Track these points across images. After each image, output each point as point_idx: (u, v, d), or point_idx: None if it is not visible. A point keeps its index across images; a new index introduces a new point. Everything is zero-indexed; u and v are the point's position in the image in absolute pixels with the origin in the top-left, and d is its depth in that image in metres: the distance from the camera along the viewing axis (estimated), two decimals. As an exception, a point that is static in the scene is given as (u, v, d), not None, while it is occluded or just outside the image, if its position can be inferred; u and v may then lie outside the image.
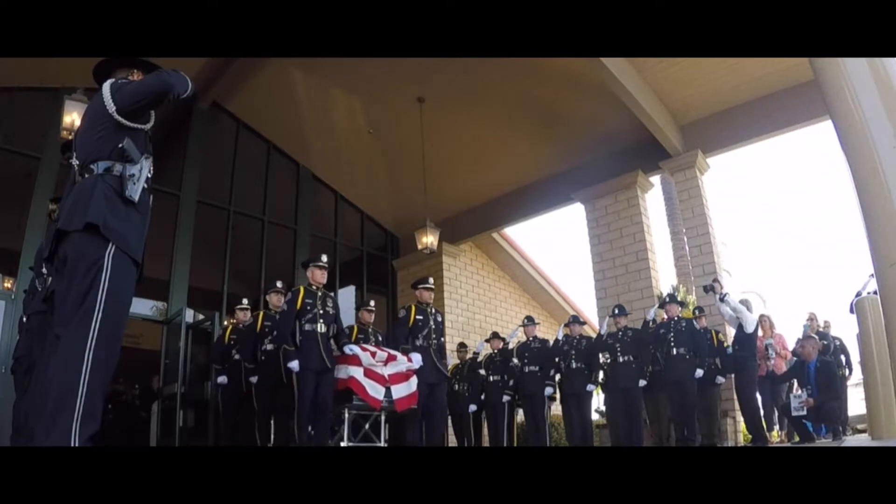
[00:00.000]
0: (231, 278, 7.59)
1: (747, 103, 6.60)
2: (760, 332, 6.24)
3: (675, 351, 5.61)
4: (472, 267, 9.81)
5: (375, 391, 4.71)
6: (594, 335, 6.50)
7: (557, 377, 6.18)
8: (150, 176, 2.11)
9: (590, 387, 6.01)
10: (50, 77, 6.01)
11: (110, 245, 1.95)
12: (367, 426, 5.09)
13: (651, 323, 6.00)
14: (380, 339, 5.77)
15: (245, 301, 5.96)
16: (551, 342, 6.36)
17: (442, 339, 5.37)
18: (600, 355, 6.01)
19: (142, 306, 7.09)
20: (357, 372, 4.70)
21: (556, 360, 6.16)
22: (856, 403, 6.65)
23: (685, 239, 7.41)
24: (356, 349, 4.83)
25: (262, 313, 5.59)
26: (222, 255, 7.62)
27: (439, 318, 5.38)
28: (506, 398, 6.44)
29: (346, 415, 4.86)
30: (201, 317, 7.34)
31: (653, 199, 9.30)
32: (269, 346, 5.25)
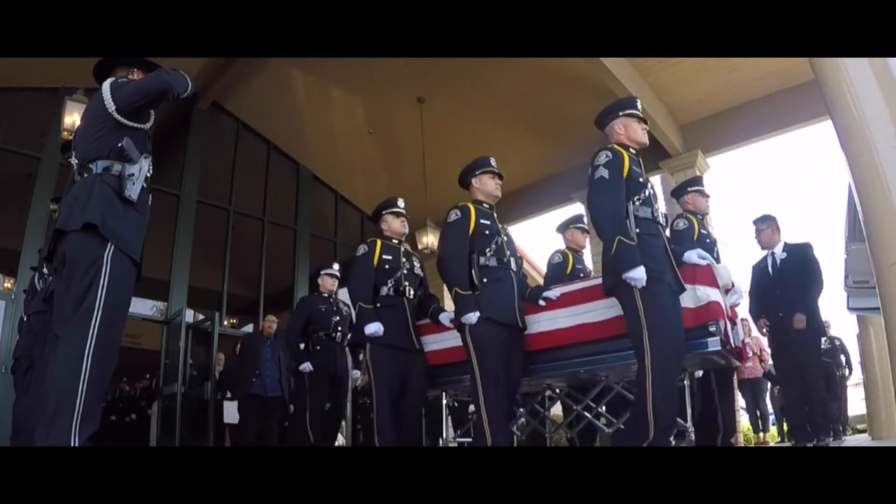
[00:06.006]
0: (231, 278, 7.59)
1: (747, 103, 6.58)
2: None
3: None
4: (472, 267, 9.78)
5: (733, 333, 2.84)
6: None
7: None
8: (149, 175, 2.11)
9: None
10: (50, 77, 6.00)
11: (109, 245, 1.95)
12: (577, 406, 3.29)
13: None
14: None
15: (401, 203, 3.73)
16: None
17: None
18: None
19: (142, 306, 7.09)
20: (717, 296, 2.73)
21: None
22: (856, 403, 6.64)
23: (685, 239, 7.40)
24: (709, 257, 2.80)
25: (474, 208, 3.29)
26: (222, 255, 7.61)
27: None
28: None
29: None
30: (201, 317, 7.34)
31: (653, 199, 9.28)
32: (492, 262, 3.04)
